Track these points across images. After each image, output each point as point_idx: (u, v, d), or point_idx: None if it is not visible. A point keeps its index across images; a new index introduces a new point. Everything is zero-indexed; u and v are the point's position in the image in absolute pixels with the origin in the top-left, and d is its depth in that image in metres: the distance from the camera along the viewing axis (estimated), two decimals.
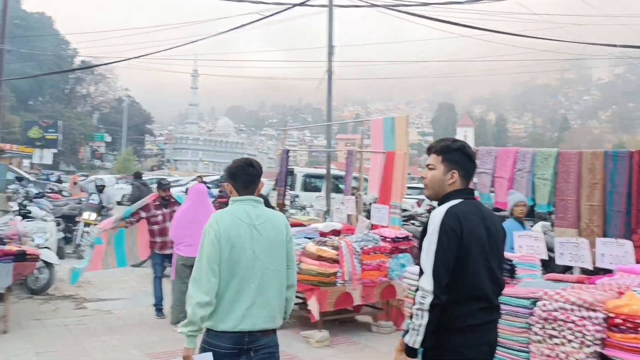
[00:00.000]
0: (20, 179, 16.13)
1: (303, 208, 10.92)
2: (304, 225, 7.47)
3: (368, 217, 8.09)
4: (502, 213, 10.24)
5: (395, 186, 7.57)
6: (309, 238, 6.52)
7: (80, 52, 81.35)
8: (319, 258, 5.97)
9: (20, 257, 5.99)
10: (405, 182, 7.75)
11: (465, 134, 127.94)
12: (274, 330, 3.00)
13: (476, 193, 6.99)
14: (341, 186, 16.58)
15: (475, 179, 6.92)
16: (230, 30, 11.35)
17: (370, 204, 12.33)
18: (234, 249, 2.89)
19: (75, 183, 20.12)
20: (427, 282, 2.38)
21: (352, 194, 8.23)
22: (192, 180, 16.70)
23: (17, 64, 57.74)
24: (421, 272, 2.45)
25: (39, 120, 58.90)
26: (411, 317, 2.45)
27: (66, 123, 65.64)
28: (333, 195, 15.71)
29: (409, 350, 2.44)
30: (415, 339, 2.40)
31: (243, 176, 3.10)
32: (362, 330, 6.65)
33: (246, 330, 2.86)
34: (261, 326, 2.90)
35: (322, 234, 6.72)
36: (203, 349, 2.90)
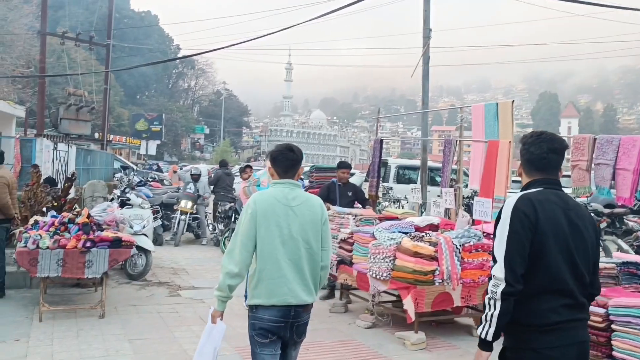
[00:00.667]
0: (125, 168, 16.92)
1: (397, 201, 10.47)
2: (398, 219, 7.05)
3: (468, 211, 7.53)
4: (619, 210, 9.28)
5: (499, 178, 6.93)
6: (404, 232, 6.10)
7: (182, 47, 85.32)
8: (416, 254, 5.53)
9: (116, 243, 6.07)
10: (510, 174, 7.09)
11: (569, 125, 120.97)
12: (311, 306, 3.19)
13: (593, 187, 6.28)
14: (437, 179, 15.93)
15: (592, 171, 6.19)
16: (322, 15, 10.96)
17: (468, 197, 11.68)
18: (270, 228, 3.07)
19: (174, 172, 20.88)
20: (499, 270, 2.26)
21: (451, 187, 7.68)
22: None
23: (125, 60, 61.37)
24: (495, 261, 2.33)
25: (145, 113, 62.36)
26: (484, 308, 2.33)
27: (169, 116, 69.10)
28: (429, 188, 15.17)
29: (482, 344, 2.31)
30: (487, 331, 2.28)
31: (283, 160, 3.26)
32: (462, 333, 6.14)
33: (293, 304, 3.05)
34: (304, 301, 3.09)
35: (418, 229, 6.27)
36: (252, 326, 3.11)
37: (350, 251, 6.48)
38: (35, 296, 6.66)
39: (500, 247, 2.29)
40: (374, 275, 5.87)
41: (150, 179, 18.04)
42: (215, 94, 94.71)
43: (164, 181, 19.07)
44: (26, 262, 5.72)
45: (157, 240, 10.88)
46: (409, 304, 5.48)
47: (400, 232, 6.15)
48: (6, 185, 6.89)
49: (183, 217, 11.76)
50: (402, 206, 10.20)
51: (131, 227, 7.94)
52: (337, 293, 7.45)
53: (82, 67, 28.03)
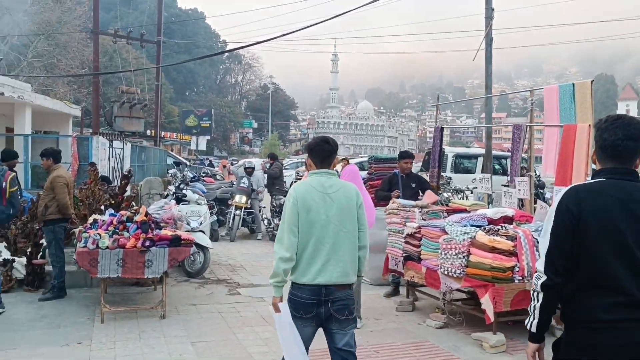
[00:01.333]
0: (178, 163, 17.00)
1: (459, 191, 9.96)
2: (467, 211, 6.61)
3: (540, 200, 6.99)
4: None
5: (577, 165, 6.38)
6: (477, 226, 5.66)
7: (228, 42, 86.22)
8: (493, 250, 5.10)
9: (175, 242, 5.89)
10: (590, 161, 6.51)
11: (627, 108, 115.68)
12: (348, 285, 3.38)
13: None
14: (497, 167, 15.26)
15: None
16: (366, 4, 10.56)
17: (537, 186, 11.03)
18: (309, 213, 3.33)
19: (224, 166, 20.91)
20: (540, 263, 2.28)
21: (521, 175, 7.16)
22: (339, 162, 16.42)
23: (174, 57, 62.44)
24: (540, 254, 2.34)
25: (194, 109, 63.35)
26: (530, 300, 2.35)
27: (217, 111, 70.01)
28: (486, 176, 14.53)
29: (530, 335, 2.35)
30: (531, 322, 2.32)
31: (320, 152, 3.56)
32: None
33: (322, 283, 3.28)
34: (335, 280, 3.30)
35: (492, 221, 5.82)
36: (289, 299, 3.36)
37: (418, 247, 6.09)
38: (96, 295, 6.59)
39: (543, 240, 2.29)
40: (445, 272, 5.48)
41: (203, 174, 18.08)
42: (262, 88, 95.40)
43: (217, 176, 19.08)
44: (86, 263, 5.61)
45: (213, 236, 10.75)
46: (487, 303, 5.06)
47: (472, 225, 5.72)
48: (65, 185, 6.84)
49: (238, 212, 11.62)
50: (467, 197, 9.68)
51: (188, 223, 7.79)
52: (402, 290, 7.10)
53: (133, 66, 28.55)
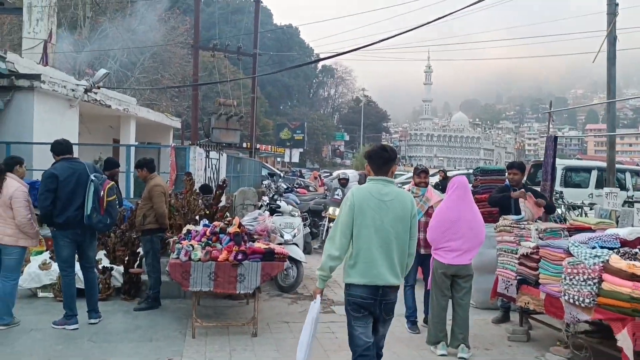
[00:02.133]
0: (272, 175, 17.03)
1: (576, 207, 8.99)
2: (592, 230, 5.80)
3: None
4: None
5: None
6: (608, 248, 4.89)
7: (321, 56, 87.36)
8: (633, 277, 4.32)
9: (269, 256, 5.59)
10: None
11: None
12: (397, 288, 3.66)
13: None
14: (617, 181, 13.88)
15: None
16: (456, 11, 9.84)
17: None
18: (365, 219, 3.53)
19: (315, 178, 20.76)
20: None
21: None
22: (432, 175, 15.71)
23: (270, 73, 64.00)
24: None
25: (288, 122, 64.59)
26: None
27: (310, 124, 70.98)
28: (600, 191, 13.22)
29: None
30: None
31: (377, 159, 3.70)
32: None
33: (380, 284, 3.53)
34: (391, 282, 3.56)
35: (625, 243, 5.01)
36: (349, 302, 3.62)
37: (535, 269, 5.38)
38: (189, 307, 6.42)
39: None
40: (570, 300, 4.75)
41: (297, 186, 18.00)
42: (355, 101, 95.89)
43: (310, 187, 18.95)
44: (178, 275, 5.43)
45: (306, 249, 10.47)
46: (624, 339, 4.28)
47: (602, 247, 4.95)
48: (163, 194, 6.80)
49: (331, 224, 11.27)
50: (585, 214, 8.71)
51: (281, 236, 7.53)
52: (512, 316, 6.38)
53: (229, 82, 29.41)
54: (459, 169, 23.50)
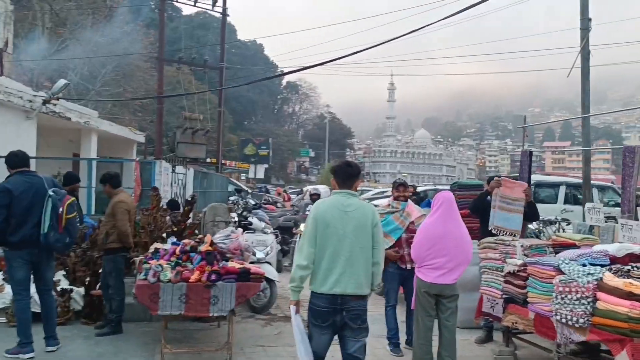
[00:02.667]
0: (239, 190, 16.61)
1: (552, 222, 8.93)
2: (576, 246, 5.66)
3: None
4: None
5: None
6: (597, 265, 4.73)
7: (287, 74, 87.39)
8: (630, 296, 4.15)
9: (244, 276, 5.23)
10: None
11: None
12: (362, 297, 3.69)
13: None
14: (579, 196, 13.99)
15: None
16: (420, 28, 9.78)
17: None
18: (328, 228, 3.65)
19: (279, 194, 20.44)
20: None
21: (638, 205, 6.15)
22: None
23: (234, 88, 63.56)
24: None
25: (252, 138, 64.12)
26: None
27: (275, 140, 70.67)
28: (571, 207, 13.29)
29: None
30: None
31: (342, 174, 3.87)
32: None
33: (338, 293, 3.58)
34: (350, 291, 3.61)
35: (614, 259, 4.87)
36: (309, 309, 3.68)
37: (523, 287, 5.18)
38: (156, 331, 6.01)
39: None
40: (563, 320, 4.55)
41: (265, 202, 17.62)
42: (319, 118, 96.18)
43: (278, 204, 18.58)
44: (146, 298, 5.02)
45: (276, 267, 10.12)
46: None
47: (591, 264, 4.79)
48: (127, 211, 6.38)
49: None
50: (563, 229, 8.65)
51: (254, 254, 7.16)
52: (495, 335, 6.18)
53: (193, 97, 28.90)
54: (425, 185, 23.48)
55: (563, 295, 4.58)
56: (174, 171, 11.30)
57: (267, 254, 7.54)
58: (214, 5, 18.59)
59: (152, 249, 6.04)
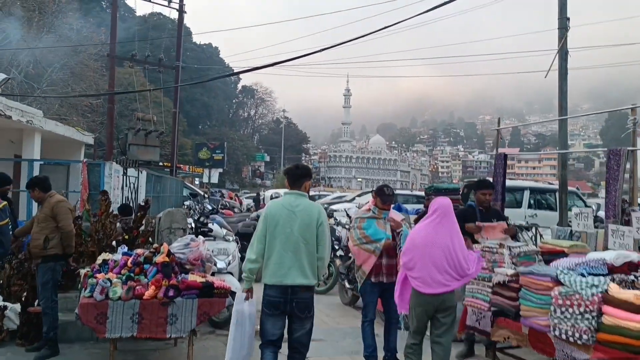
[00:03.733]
0: (194, 195, 15.80)
1: (527, 228, 8.64)
2: (565, 254, 5.30)
3: None
4: None
5: None
6: (595, 274, 4.35)
7: (242, 77, 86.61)
8: None
9: (207, 291, 4.61)
10: None
11: None
12: (309, 288, 4.12)
13: None
14: (543, 202, 13.90)
15: None
16: (370, 33, 9.62)
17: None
18: (277, 227, 4.10)
19: (230, 198, 19.78)
20: None
21: (623, 209, 5.86)
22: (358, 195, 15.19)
23: (188, 91, 62.36)
24: None
25: (207, 142, 62.96)
26: None
27: (230, 144, 69.71)
28: (537, 212, 13.15)
29: None
30: None
31: (292, 175, 4.34)
32: None
33: (289, 284, 4.03)
34: (299, 282, 4.05)
35: (613, 269, 4.51)
36: (263, 299, 4.17)
37: (515, 299, 4.75)
38: (105, 353, 5.29)
39: None
40: (563, 336, 4.13)
41: (222, 207, 16.87)
42: (275, 122, 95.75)
43: (235, 208, 17.86)
44: (92, 319, 4.32)
45: (238, 277, 9.46)
46: None
47: (590, 273, 4.40)
48: (70, 210, 5.65)
49: None
50: (541, 235, 8.37)
51: (215, 264, 6.52)
52: (477, 348, 5.75)
53: (148, 99, 27.79)
54: (401, 190, 23.20)
55: (563, 309, 4.17)
56: (125, 174, 10.48)
57: (229, 264, 6.91)
58: (170, 1, 17.73)
59: (99, 260, 5.33)
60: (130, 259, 4.95)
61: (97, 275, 4.67)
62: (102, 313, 4.29)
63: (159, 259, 4.91)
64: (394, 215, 5.41)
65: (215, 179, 58.22)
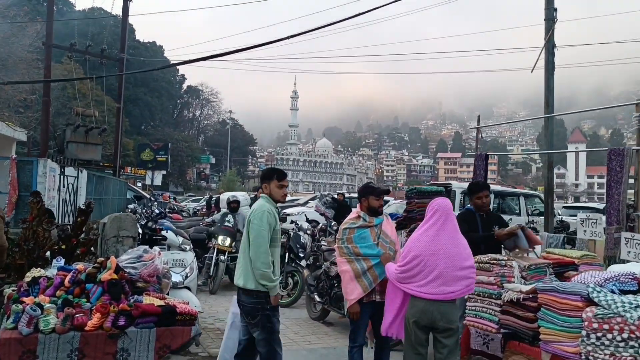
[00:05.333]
0: (138, 197, 14.56)
1: None
2: (575, 265, 4.71)
3: None
4: None
5: None
6: (625, 291, 3.74)
7: (187, 77, 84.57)
8: None
9: (168, 318, 3.69)
10: None
11: (577, 150, 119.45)
12: (248, 291, 3.97)
13: None
14: (513, 206, 13.56)
15: None
16: (318, 28, 9.40)
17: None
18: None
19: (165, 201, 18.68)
20: None
21: (627, 215, 5.33)
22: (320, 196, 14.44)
23: (130, 90, 60.08)
24: None
25: (150, 143, 60.88)
26: None
27: (174, 146, 67.82)
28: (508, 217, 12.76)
29: None
30: None
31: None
32: None
33: (238, 285, 4.07)
34: (237, 283, 4.07)
35: None
36: None
37: (531, 321, 4.08)
38: None
39: None
40: None
41: (169, 210, 15.70)
42: (221, 124, 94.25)
43: (183, 212, 16.70)
44: (15, 358, 3.32)
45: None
46: None
47: (621, 290, 3.79)
48: (1, 218, 4.62)
49: (222, 257, 9.36)
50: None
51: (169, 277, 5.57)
52: None
53: (88, 98, 26.07)
54: (325, 193, 22.53)
55: (599, 334, 3.51)
56: (62, 173, 9.27)
57: (187, 277, 5.95)
58: None
59: (28, 277, 4.29)
60: (68, 277, 3.96)
61: (24, 299, 3.66)
62: (30, 351, 3.28)
63: (104, 275, 3.95)
64: (388, 229, 4.58)
65: (158, 181, 56.35)
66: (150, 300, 3.79)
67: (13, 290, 4.23)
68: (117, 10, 54.91)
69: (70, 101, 28.50)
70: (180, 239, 6.64)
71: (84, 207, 5.71)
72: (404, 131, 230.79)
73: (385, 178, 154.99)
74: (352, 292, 4.36)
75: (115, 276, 3.96)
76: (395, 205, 16.27)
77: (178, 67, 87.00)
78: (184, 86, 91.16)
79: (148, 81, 74.96)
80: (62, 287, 3.86)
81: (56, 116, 36.42)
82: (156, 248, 4.84)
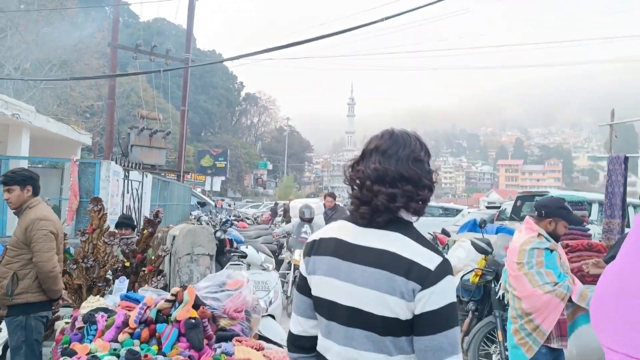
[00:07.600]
0: (202, 204, 13.80)
1: None
2: None
3: None
4: None
5: None
6: None
7: (245, 84, 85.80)
8: None
9: None
10: None
11: None
12: None
13: None
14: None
15: None
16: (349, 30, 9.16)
17: None
18: None
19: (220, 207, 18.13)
20: None
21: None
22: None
23: (191, 98, 60.76)
24: None
25: (210, 149, 61.55)
26: None
27: (233, 152, 68.35)
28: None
29: None
30: None
31: None
32: None
33: None
34: None
35: None
36: None
37: None
38: None
39: None
40: None
41: (234, 218, 14.89)
42: (278, 130, 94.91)
43: (248, 220, 15.87)
44: None
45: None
46: None
47: None
48: (52, 235, 3.70)
49: (297, 273, 8.32)
50: None
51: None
52: None
53: (150, 106, 25.98)
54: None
55: None
56: (126, 177, 8.51)
57: (271, 303, 4.90)
58: None
59: (84, 308, 3.34)
60: (134, 314, 2.97)
61: (76, 345, 2.69)
62: None
63: (181, 313, 2.93)
64: (562, 252, 3.42)
65: (217, 187, 56.67)
66: (243, 353, 2.73)
67: (66, 324, 3.31)
68: (180, 21, 55.88)
69: (135, 108, 28.72)
70: (263, 256, 5.62)
71: (151, 217, 4.77)
72: (461, 137, 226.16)
73: (443, 185, 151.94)
74: (554, 310, 3.28)
75: (194, 313, 2.94)
76: (477, 212, 14.91)
77: (236, 74, 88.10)
78: (243, 93, 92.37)
79: (208, 89, 76.18)
80: (128, 329, 2.87)
81: (120, 123, 36.90)
82: (244, 273, 3.82)
